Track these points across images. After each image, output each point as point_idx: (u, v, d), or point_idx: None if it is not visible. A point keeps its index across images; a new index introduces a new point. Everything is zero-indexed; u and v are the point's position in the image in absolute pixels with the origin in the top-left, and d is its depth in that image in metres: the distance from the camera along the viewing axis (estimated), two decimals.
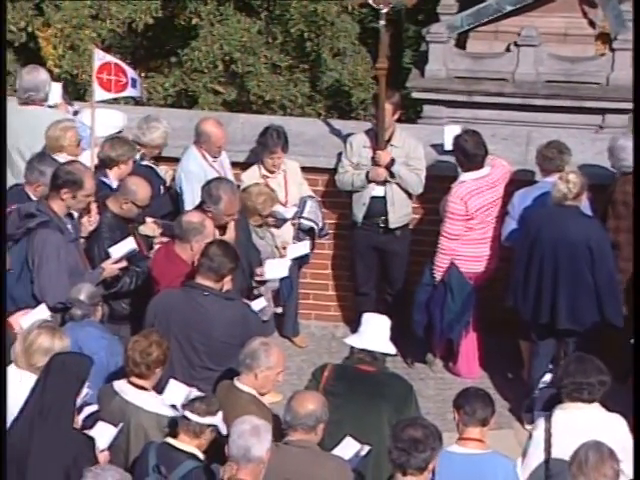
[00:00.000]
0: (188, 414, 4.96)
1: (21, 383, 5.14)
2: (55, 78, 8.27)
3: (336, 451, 5.15)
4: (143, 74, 12.23)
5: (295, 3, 11.69)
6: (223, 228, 6.56)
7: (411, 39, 15.51)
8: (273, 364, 5.33)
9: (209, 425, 4.96)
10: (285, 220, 7.34)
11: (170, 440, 4.97)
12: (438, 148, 7.66)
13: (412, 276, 7.51)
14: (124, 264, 6.46)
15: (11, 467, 4.86)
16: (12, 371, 5.28)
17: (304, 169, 7.64)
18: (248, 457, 4.52)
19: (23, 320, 5.80)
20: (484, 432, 4.99)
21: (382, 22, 7.23)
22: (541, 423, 5.18)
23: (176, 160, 7.45)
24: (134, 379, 5.31)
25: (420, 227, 7.72)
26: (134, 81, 7.07)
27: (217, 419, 4.99)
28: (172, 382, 5.46)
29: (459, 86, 12.44)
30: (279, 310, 7.50)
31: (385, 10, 7.15)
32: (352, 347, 5.60)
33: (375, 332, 5.61)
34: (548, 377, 6.43)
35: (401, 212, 7.41)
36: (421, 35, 13.03)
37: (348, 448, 5.17)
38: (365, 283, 7.65)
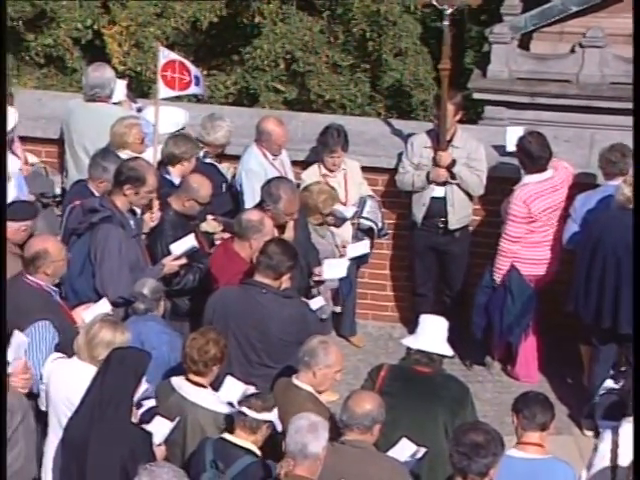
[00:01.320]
0: (244, 410, 4.99)
1: (82, 375, 5.21)
2: (119, 75, 8.36)
3: (392, 452, 5.14)
4: (205, 72, 12.30)
5: (357, 3, 11.68)
6: (282, 227, 6.58)
7: (473, 39, 15.40)
8: (331, 362, 5.33)
9: (265, 421, 4.99)
10: (344, 219, 7.34)
11: (227, 436, 5.01)
12: (500, 149, 7.59)
13: (471, 278, 7.46)
14: (184, 261, 6.51)
15: (71, 457, 4.95)
16: (74, 363, 5.37)
17: (364, 169, 7.62)
18: (305, 453, 4.54)
19: (85, 313, 5.89)
20: (543, 437, 4.94)
21: (445, 23, 7.19)
22: (607, 435, 5.10)
23: (237, 158, 7.49)
24: (192, 376, 5.35)
25: (480, 229, 7.66)
26: (197, 79, 7.12)
27: (273, 415, 5.01)
28: (229, 379, 5.49)
29: (521, 87, 12.32)
30: (338, 309, 7.50)
31: (449, 11, 7.11)
32: (409, 348, 5.58)
33: (432, 333, 5.58)
34: (609, 383, 6.34)
35: (461, 213, 7.37)
36: (484, 36, 12.92)
37: (404, 450, 5.15)
38: (423, 284, 7.62)
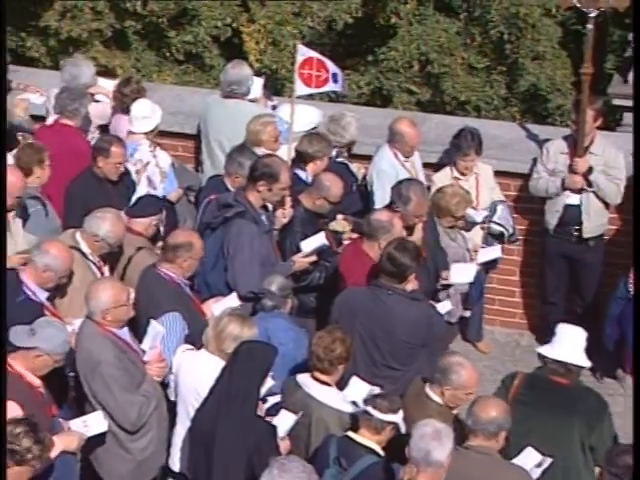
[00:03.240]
0: (370, 409, 4.99)
1: (210, 367, 5.31)
2: (256, 73, 8.47)
3: (516, 460, 5.05)
4: None
5: (496, 5, 11.51)
6: (411, 229, 6.55)
7: (615, 44, 14.96)
8: (461, 385, 5.21)
9: (390, 422, 4.97)
10: (475, 223, 7.26)
11: (351, 434, 5.01)
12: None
13: (604, 288, 7.27)
14: (314, 259, 6.56)
15: (198, 447, 5.05)
16: (202, 355, 5.47)
17: (497, 173, 7.52)
18: (428, 460, 4.50)
19: (215, 307, 5.99)
20: None
21: (589, 26, 7.01)
22: None
23: (369, 158, 7.50)
24: (317, 374, 5.38)
25: (616, 238, 7.46)
26: (335, 76, 7.13)
27: (398, 417, 4.99)
28: (354, 379, 5.49)
29: None
30: (467, 314, 7.41)
31: (594, 14, 6.93)
32: (545, 357, 5.44)
33: (570, 343, 5.44)
34: None
35: (596, 222, 7.19)
36: (627, 40, 12.55)
37: (529, 458, 5.07)
38: (554, 292, 7.47)
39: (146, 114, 7.28)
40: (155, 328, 5.53)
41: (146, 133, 7.29)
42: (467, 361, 5.36)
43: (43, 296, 5.82)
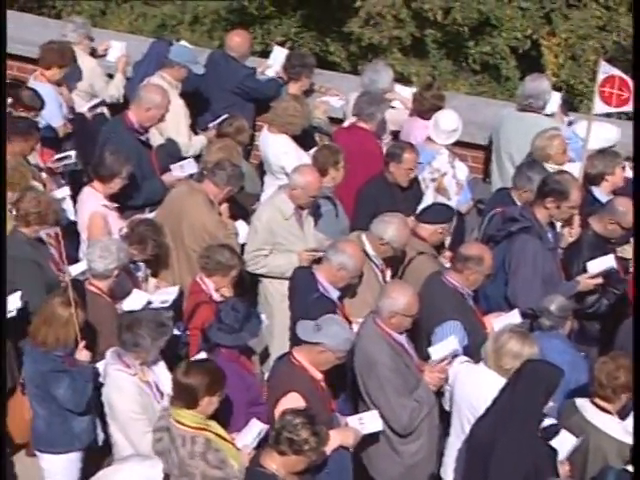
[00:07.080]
0: None
1: (488, 382, 5.26)
2: (554, 87, 8.29)
3: None
4: None
5: None
6: None
7: None
8: None
9: None
10: None
11: (631, 468, 4.79)
12: None
13: None
14: (600, 281, 6.33)
15: (475, 461, 5.00)
16: (481, 369, 5.42)
17: None
18: None
19: (496, 321, 5.93)
20: None
21: None
22: None
23: None
24: (598, 400, 5.22)
25: None
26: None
27: None
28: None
29: None
30: None
31: None
32: None
33: None
34: None
35: None
36: None
37: None
38: None
39: (454, 127, 7.28)
40: (453, 343, 5.55)
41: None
42: None
43: (335, 295, 6.00)
